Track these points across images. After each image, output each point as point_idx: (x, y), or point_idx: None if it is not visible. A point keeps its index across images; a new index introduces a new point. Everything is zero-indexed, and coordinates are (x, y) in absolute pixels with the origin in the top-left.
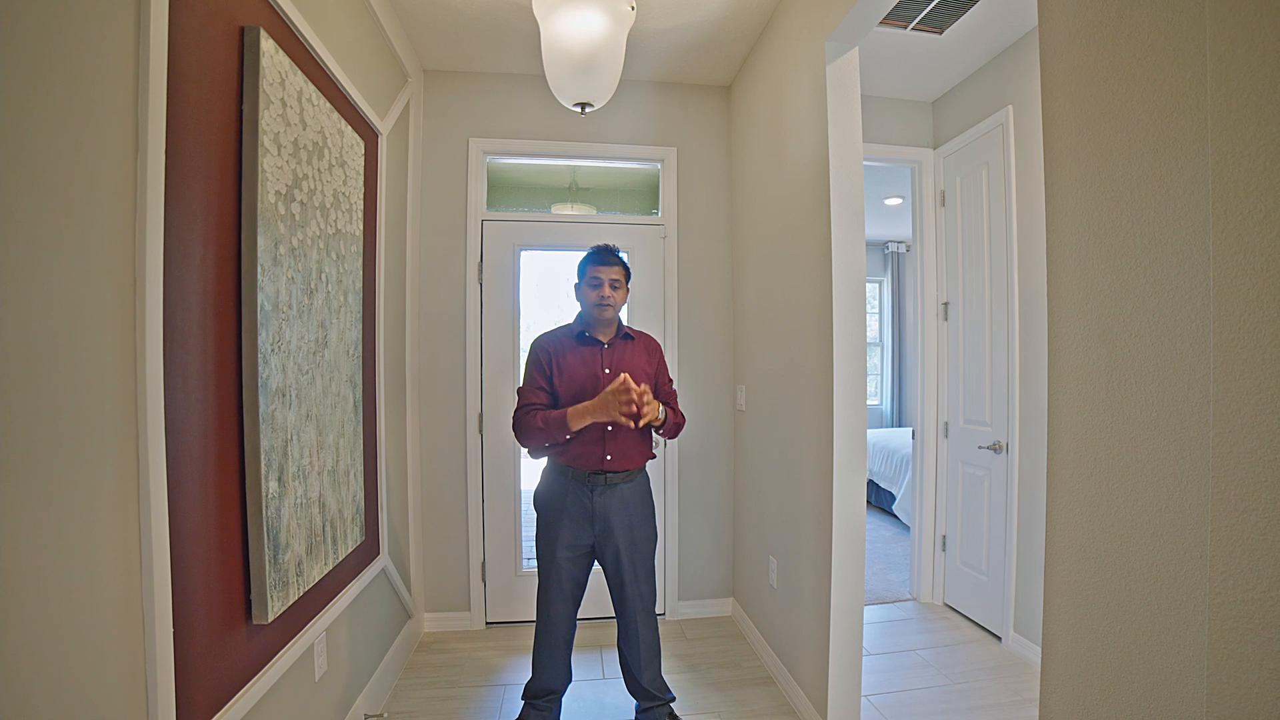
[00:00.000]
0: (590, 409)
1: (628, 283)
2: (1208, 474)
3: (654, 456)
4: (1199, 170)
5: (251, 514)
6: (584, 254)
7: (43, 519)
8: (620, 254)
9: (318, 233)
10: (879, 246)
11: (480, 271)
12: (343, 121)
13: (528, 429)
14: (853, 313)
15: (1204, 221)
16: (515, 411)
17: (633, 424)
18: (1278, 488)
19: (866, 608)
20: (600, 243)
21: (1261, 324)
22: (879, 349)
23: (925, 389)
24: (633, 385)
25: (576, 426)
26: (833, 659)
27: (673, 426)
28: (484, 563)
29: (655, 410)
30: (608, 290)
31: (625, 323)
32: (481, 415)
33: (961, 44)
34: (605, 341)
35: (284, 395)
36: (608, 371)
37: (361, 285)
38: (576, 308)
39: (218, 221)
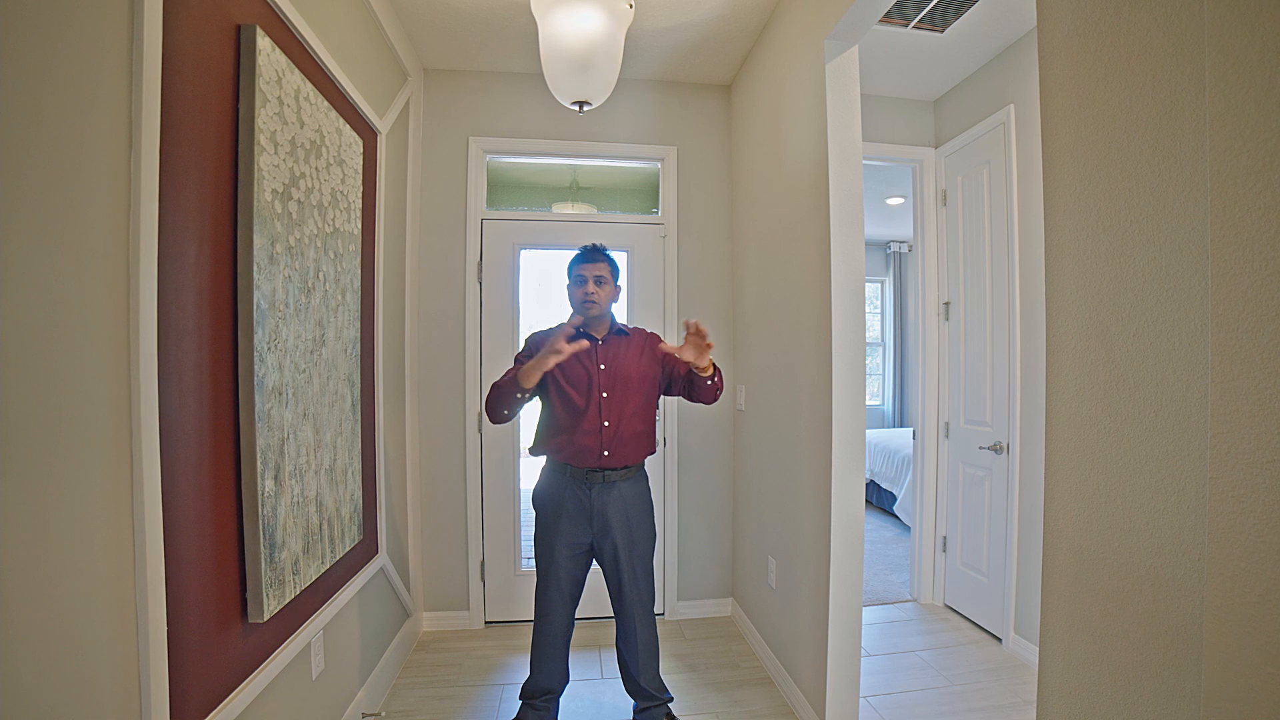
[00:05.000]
0: (535, 363)
1: (615, 280)
2: (1205, 475)
3: (653, 452)
4: (1197, 168)
5: (247, 512)
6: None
7: (36, 517)
8: (606, 251)
9: (315, 231)
10: (881, 246)
11: (480, 270)
12: (341, 120)
13: (490, 395)
14: (851, 313)
15: (1202, 220)
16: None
17: (562, 353)
18: (1275, 490)
19: (867, 608)
20: (593, 242)
21: (1260, 323)
22: (881, 349)
23: (926, 389)
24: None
25: (527, 383)
26: (831, 660)
27: (717, 385)
28: (483, 562)
29: (703, 357)
30: (592, 286)
31: (623, 320)
32: (481, 414)
33: (963, 43)
34: (599, 338)
35: (280, 394)
36: (602, 368)
37: (360, 284)
38: (570, 307)
39: (214, 220)
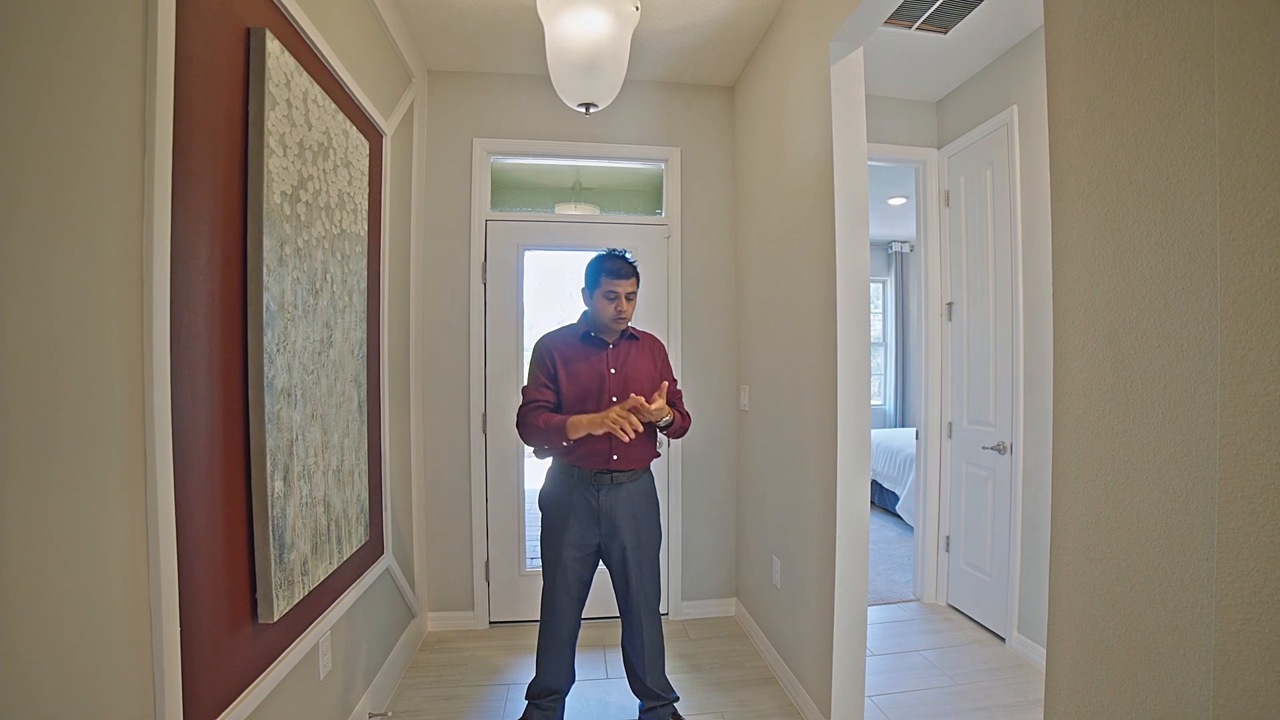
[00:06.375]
0: (588, 422)
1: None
2: (1214, 476)
3: (659, 455)
4: (1206, 170)
5: (257, 513)
6: (594, 256)
7: (50, 518)
8: (632, 261)
9: (323, 233)
10: (883, 246)
11: (484, 271)
12: (348, 122)
13: (531, 426)
14: (856, 313)
15: (1211, 221)
16: (520, 408)
17: (627, 438)
18: None
19: (870, 608)
20: (610, 247)
21: (1269, 325)
22: (882, 349)
23: (929, 389)
24: (643, 405)
25: (574, 436)
26: (836, 659)
27: (679, 429)
28: (487, 562)
29: (663, 413)
30: (624, 304)
31: (629, 322)
32: (485, 415)
33: (966, 44)
34: (610, 342)
35: (289, 395)
36: (613, 372)
37: (366, 285)
38: (581, 307)
39: (224, 222)
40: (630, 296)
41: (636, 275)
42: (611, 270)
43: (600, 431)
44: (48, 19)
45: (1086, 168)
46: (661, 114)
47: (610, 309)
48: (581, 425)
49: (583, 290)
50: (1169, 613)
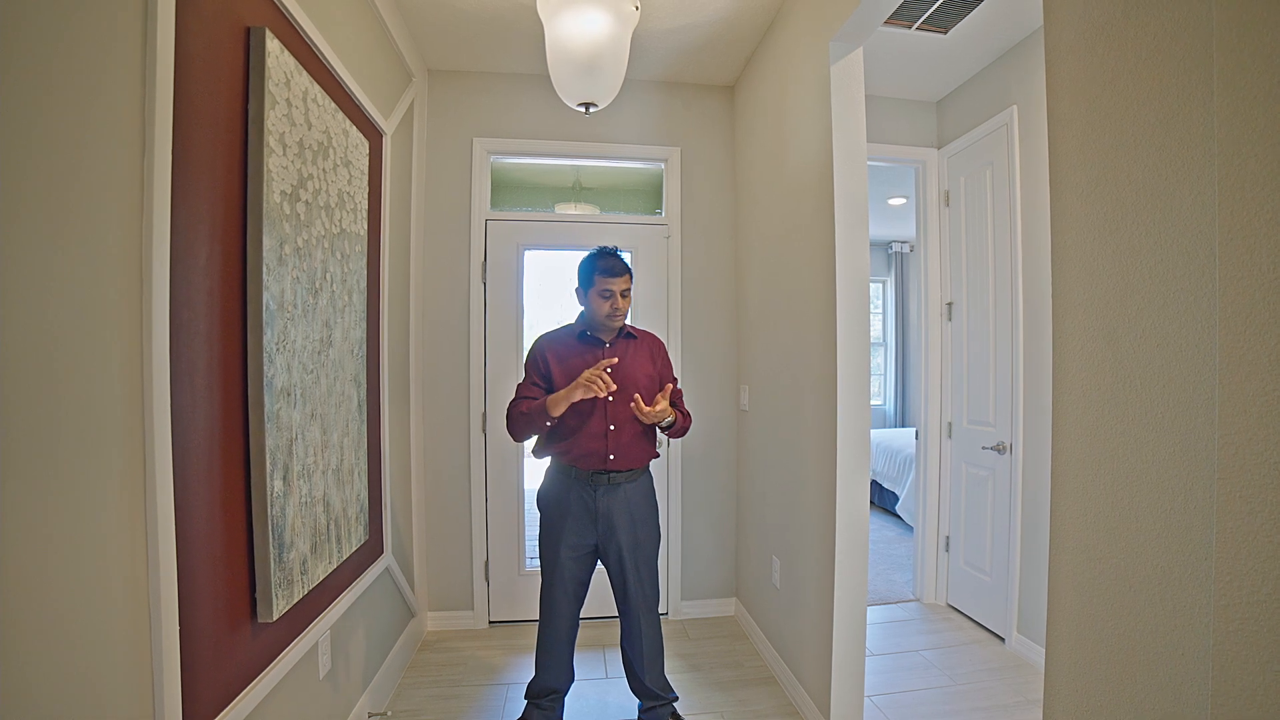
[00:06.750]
0: (565, 394)
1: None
2: (1213, 476)
3: (657, 455)
4: (1205, 170)
5: (256, 512)
6: (585, 256)
7: (50, 518)
8: (624, 257)
9: (322, 232)
10: (882, 246)
11: (484, 271)
12: (347, 121)
13: (514, 417)
14: (856, 313)
15: (1210, 222)
16: (509, 404)
17: (603, 394)
18: None
19: (869, 608)
20: (602, 245)
21: (1267, 325)
22: (882, 349)
23: (929, 389)
24: (640, 403)
25: (556, 413)
26: (836, 659)
27: (680, 429)
28: (487, 562)
29: (666, 413)
30: (619, 301)
31: (628, 321)
32: (485, 414)
33: (966, 44)
34: (607, 341)
35: (289, 394)
36: (609, 371)
37: (366, 285)
38: (580, 307)
39: (224, 221)
40: (625, 293)
41: (630, 272)
42: (605, 269)
43: (578, 397)
44: (48, 19)
45: (1086, 168)
46: (661, 114)
47: (606, 307)
48: (560, 399)
49: (577, 290)
50: (1168, 612)
